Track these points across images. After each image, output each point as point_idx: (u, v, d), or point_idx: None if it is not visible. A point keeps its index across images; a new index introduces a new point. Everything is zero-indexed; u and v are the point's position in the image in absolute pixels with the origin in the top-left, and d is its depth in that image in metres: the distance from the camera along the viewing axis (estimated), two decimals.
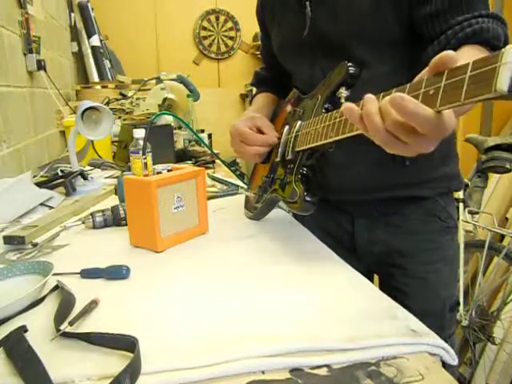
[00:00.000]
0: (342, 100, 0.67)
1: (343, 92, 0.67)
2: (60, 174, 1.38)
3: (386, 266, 0.90)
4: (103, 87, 2.66)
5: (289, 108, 0.89)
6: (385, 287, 0.91)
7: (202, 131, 2.05)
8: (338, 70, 0.69)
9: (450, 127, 0.45)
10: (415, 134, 0.45)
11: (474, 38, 0.64)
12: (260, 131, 0.88)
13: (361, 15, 0.74)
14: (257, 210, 0.93)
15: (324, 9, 0.78)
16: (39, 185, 1.21)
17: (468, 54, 0.62)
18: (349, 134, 0.57)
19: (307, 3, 0.80)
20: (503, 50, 0.36)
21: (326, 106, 0.72)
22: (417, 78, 0.48)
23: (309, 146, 0.71)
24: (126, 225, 0.90)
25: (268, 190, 0.85)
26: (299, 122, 0.78)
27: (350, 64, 0.67)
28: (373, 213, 0.87)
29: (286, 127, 0.83)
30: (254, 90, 1.12)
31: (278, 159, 0.83)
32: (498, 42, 0.65)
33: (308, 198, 0.70)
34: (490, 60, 0.38)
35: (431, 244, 0.86)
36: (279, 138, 0.87)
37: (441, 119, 0.44)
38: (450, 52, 0.42)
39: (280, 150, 0.83)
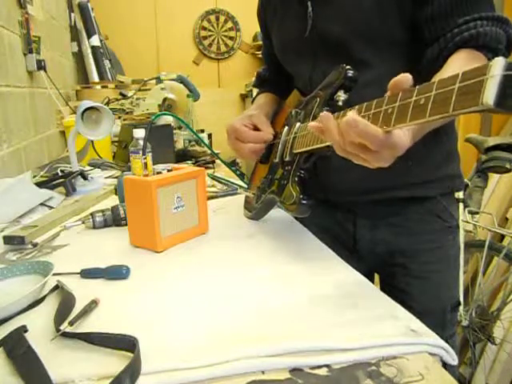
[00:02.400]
0: (340, 103, 0.67)
1: (341, 95, 0.67)
2: (60, 173, 1.38)
3: (388, 265, 0.90)
4: (103, 87, 2.66)
5: (289, 108, 0.89)
6: (386, 287, 0.91)
7: (202, 131, 2.05)
8: (336, 74, 0.69)
9: (402, 145, 0.50)
10: (370, 151, 0.51)
11: (470, 42, 0.66)
12: (256, 128, 0.88)
13: (363, 15, 0.74)
14: (255, 210, 0.93)
15: (326, 9, 0.78)
16: (39, 185, 1.21)
17: (458, 62, 0.65)
18: None
19: (309, 3, 0.79)
20: (491, 62, 0.36)
21: (324, 109, 0.71)
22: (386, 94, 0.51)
23: (306, 149, 0.71)
24: (126, 225, 0.90)
25: (266, 191, 0.85)
26: (298, 124, 0.78)
27: (348, 67, 0.66)
28: (375, 213, 0.87)
29: (286, 128, 0.83)
30: (256, 91, 1.12)
31: (276, 160, 0.83)
32: (497, 44, 0.66)
33: (304, 202, 0.70)
34: (477, 72, 0.37)
35: (433, 244, 0.86)
36: (275, 136, 0.87)
37: (390, 138, 0.49)
38: (406, 75, 0.48)
39: (279, 150, 0.83)
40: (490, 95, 0.36)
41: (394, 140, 0.49)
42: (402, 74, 0.48)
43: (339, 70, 0.68)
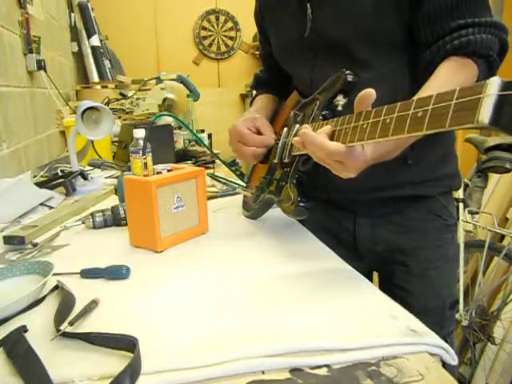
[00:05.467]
0: (339, 108, 0.67)
1: (340, 100, 0.67)
2: (60, 174, 1.38)
3: (388, 263, 0.90)
4: (103, 87, 2.66)
5: (289, 110, 0.89)
6: (385, 285, 0.92)
7: (202, 131, 2.05)
8: (335, 78, 0.69)
9: (360, 159, 0.56)
10: (335, 162, 0.57)
11: (460, 50, 0.67)
12: (259, 132, 0.88)
13: (362, 16, 0.74)
14: (254, 210, 0.93)
15: (325, 10, 0.78)
16: (39, 185, 1.21)
17: (444, 71, 0.68)
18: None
19: (308, 5, 0.79)
20: (487, 81, 0.37)
21: (323, 112, 0.71)
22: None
23: (304, 152, 0.71)
24: (126, 225, 0.90)
25: (265, 191, 0.85)
26: (297, 126, 0.78)
27: (348, 72, 0.66)
28: (375, 212, 0.87)
29: (285, 129, 0.83)
30: (254, 92, 1.12)
31: (275, 161, 0.83)
32: (488, 50, 0.67)
33: (301, 204, 0.70)
34: (474, 90, 0.38)
35: (433, 242, 0.86)
36: (277, 140, 0.87)
37: (350, 151, 0.55)
38: (369, 90, 0.53)
39: (278, 152, 0.83)
40: (485, 114, 0.36)
41: (354, 153, 0.55)
42: (366, 90, 0.53)
43: (339, 74, 0.68)
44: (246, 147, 0.87)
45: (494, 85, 0.36)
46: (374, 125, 0.50)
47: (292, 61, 0.91)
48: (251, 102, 1.08)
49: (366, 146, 0.57)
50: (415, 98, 0.46)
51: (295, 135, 0.77)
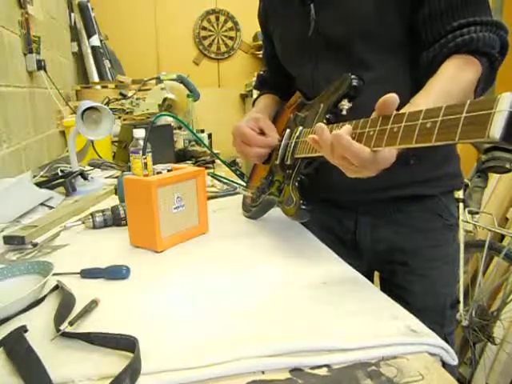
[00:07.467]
0: (344, 112, 0.67)
1: (345, 104, 0.67)
2: (60, 174, 1.38)
3: (389, 263, 0.90)
4: (103, 87, 2.66)
5: (291, 111, 0.89)
6: (386, 284, 0.92)
7: (202, 131, 2.05)
8: (341, 82, 0.68)
9: (386, 162, 0.54)
10: (354, 165, 0.54)
11: (463, 48, 0.67)
12: (262, 132, 0.88)
13: (364, 17, 0.74)
14: (253, 211, 0.93)
15: (328, 10, 0.78)
16: (39, 185, 1.21)
17: (451, 68, 0.67)
18: None
19: (311, 5, 0.80)
20: (499, 96, 0.37)
21: (327, 116, 0.71)
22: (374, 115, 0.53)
23: (307, 155, 0.71)
24: (126, 225, 0.90)
25: (266, 192, 0.85)
26: (300, 128, 0.78)
27: (353, 76, 0.66)
28: (376, 211, 0.87)
29: (288, 131, 0.83)
30: (257, 93, 1.12)
31: (277, 162, 0.83)
32: (490, 48, 0.67)
33: (303, 207, 0.70)
34: (485, 104, 0.38)
35: (433, 241, 0.86)
36: (280, 141, 0.87)
37: (374, 156, 0.52)
38: (393, 95, 0.50)
39: (280, 153, 0.83)
40: (496, 129, 0.36)
41: (377, 158, 0.53)
42: (389, 95, 0.50)
43: (344, 79, 0.67)
44: (249, 148, 0.87)
45: (505, 100, 0.36)
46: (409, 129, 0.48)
47: (295, 61, 0.91)
48: (254, 102, 1.08)
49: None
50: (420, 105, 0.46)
51: (298, 137, 0.77)
